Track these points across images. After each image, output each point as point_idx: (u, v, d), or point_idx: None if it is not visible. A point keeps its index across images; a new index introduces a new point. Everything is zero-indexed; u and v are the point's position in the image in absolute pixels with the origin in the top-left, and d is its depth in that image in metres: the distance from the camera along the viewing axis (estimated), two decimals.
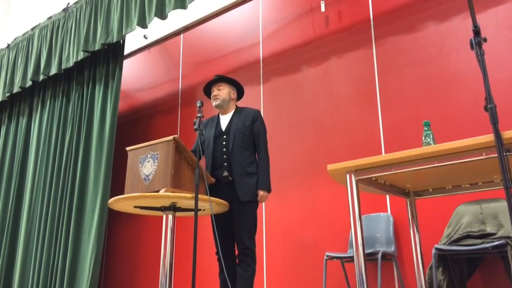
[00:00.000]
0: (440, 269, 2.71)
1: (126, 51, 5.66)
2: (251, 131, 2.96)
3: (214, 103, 3.04)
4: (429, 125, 2.13)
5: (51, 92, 5.59)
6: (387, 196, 3.37)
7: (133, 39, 5.67)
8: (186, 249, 4.50)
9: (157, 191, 2.54)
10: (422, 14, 3.53)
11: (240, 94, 3.17)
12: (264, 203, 3.96)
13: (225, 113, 3.07)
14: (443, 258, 2.74)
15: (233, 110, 3.07)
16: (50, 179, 5.06)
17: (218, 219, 2.86)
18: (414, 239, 2.49)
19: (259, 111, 3.05)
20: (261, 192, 2.83)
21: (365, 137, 3.58)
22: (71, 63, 5.09)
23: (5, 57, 6.30)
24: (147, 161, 2.67)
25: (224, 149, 2.91)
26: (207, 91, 3.14)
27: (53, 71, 5.29)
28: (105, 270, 5.20)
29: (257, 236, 2.85)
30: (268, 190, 2.87)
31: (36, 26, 5.90)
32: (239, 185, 2.81)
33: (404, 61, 3.53)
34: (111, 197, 3.01)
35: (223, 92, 3.04)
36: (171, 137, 2.61)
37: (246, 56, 4.59)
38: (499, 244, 2.42)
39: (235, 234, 2.81)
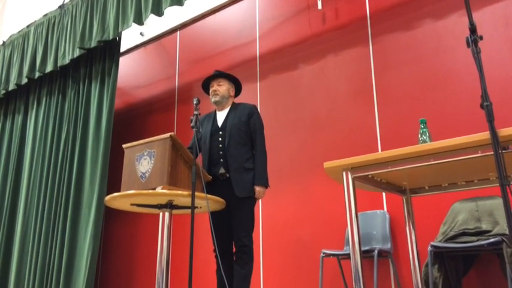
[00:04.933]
0: (436, 266, 2.72)
1: (123, 49, 5.64)
2: (248, 126, 2.94)
3: (213, 99, 3.03)
4: (425, 123, 2.13)
5: (47, 89, 5.56)
6: (383, 193, 3.38)
7: (130, 37, 5.65)
8: (183, 247, 4.50)
9: (154, 189, 2.53)
10: (418, 12, 3.53)
11: (237, 91, 3.17)
12: (260, 200, 3.97)
13: (222, 109, 3.06)
14: (439, 256, 2.75)
15: (230, 106, 3.06)
16: (46, 177, 5.05)
17: (215, 216, 2.86)
18: (410, 236, 2.50)
19: (255, 107, 3.04)
20: (257, 188, 2.82)
21: (361, 134, 3.59)
22: (66, 61, 5.07)
23: (0, 55, 6.27)
24: (144, 159, 2.67)
25: (220, 145, 2.90)
26: (206, 86, 3.13)
27: (49, 68, 5.27)
28: (101, 268, 5.20)
29: (254, 233, 2.85)
30: (266, 186, 2.86)
31: (32, 23, 5.87)
32: (235, 181, 2.80)
33: (401, 59, 3.54)
34: (107, 195, 3.01)
35: (223, 88, 3.03)
36: (167, 135, 2.61)
37: (243, 53, 4.59)
38: (494, 241, 2.43)
39: (233, 232, 2.81)
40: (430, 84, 3.35)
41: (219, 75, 3.06)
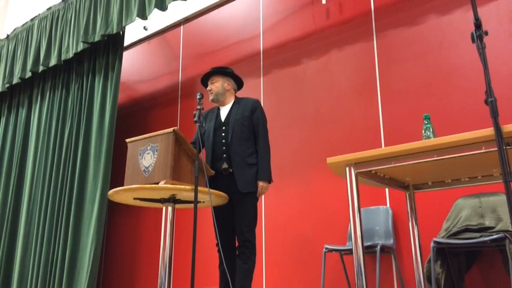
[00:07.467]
0: (439, 262, 2.72)
1: (126, 43, 5.64)
2: (250, 121, 2.94)
3: (210, 98, 3.05)
4: (429, 118, 2.12)
5: (51, 83, 5.57)
6: (386, 189, 3.38)
7: (133, 31, 5.64)
8: (186, 241, 4.52)
9: (157, 183, 2.54)
10: (423, 7, 3.51)
11: (238, 83, 3.15)
12: (263, 195, 3.97)
13: (224, 104, 3.06)
14: (442, 252, 2.75)
15: (232, 101, 3.06)
16: (50, 171, 5.06)
17: (218, 211, 2.86)
18: (413, 232, 2.50)
19: (258, 101, 3.03)
20: (260, 183, 2.82)
21: (365, 130, 3.58)
22: (70, 55, 5.07)
23: (5, 48, 6.28)
24: (147, 153, 2.67)
25: (223, 141, 2.91)
26: (205, 85, 3.14)
27: (53, 62, 5.27)
28: (104, 262, 5.23)
29: (257, 228, 2.86)
30: (269, 181, 2.87)
31: (36, 16, 5.87)
32: (238, 176, 2.81)
33: (405, 54, 3.52)
34: (110, 189, 3.02)
35: (215, 85, 3.03)
36: (170, 129, 2.61)
37: (246, 48, 4.58)
38: (497, 238, 2.43)
39: (235, 227, 2.81)
40: (434, 79, 3.33)
41: (212, 72, 3.06)
